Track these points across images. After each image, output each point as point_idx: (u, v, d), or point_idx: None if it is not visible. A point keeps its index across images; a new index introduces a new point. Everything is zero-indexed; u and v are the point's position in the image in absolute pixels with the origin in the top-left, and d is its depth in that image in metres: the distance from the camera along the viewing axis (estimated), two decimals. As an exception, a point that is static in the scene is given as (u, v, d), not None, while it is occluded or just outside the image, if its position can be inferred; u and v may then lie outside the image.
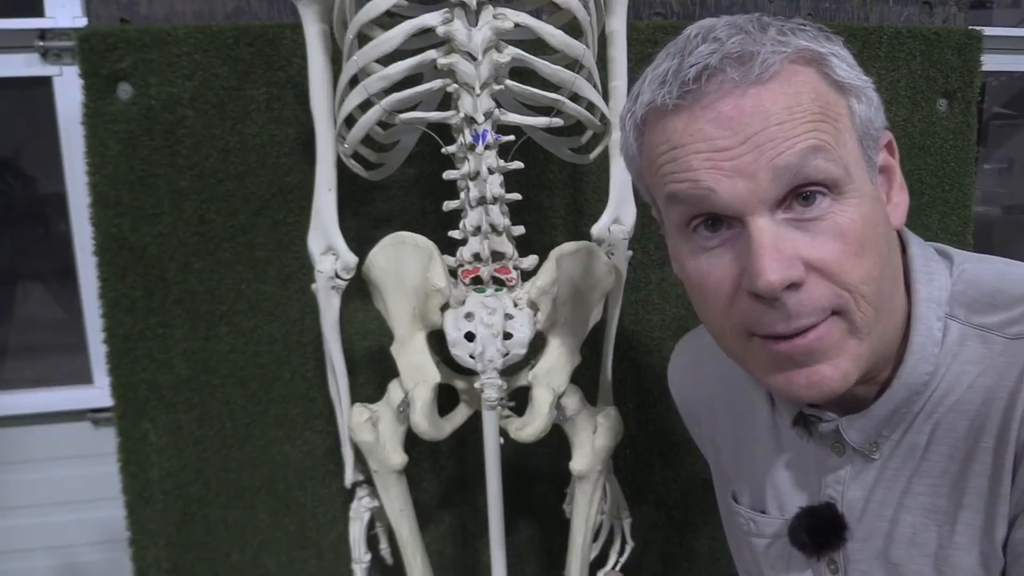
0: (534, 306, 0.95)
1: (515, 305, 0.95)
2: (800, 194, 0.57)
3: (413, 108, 0.94)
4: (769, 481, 0.78)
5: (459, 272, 0.97)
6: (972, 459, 0.62)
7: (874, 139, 0.62)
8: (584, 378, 1.06)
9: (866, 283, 0.58)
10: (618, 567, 1.19)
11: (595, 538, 1.16)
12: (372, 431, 1.01)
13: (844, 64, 0.61)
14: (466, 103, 0.90)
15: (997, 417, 0.61)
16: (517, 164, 0.94)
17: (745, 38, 0.58)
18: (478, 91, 0.89)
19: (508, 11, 0.88)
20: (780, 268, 0.56)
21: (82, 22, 1.35)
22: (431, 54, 0.90)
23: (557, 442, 1.07)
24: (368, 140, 1.01)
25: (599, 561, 1.18)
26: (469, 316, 0.94)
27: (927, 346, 0.65)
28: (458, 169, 0.94)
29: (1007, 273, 0.66)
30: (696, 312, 0.67)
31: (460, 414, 1.08)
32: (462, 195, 0.95)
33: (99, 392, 1.53)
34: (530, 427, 0.97)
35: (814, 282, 0.58)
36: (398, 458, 1.02)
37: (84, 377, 1.57)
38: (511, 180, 0.95)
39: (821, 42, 0.61)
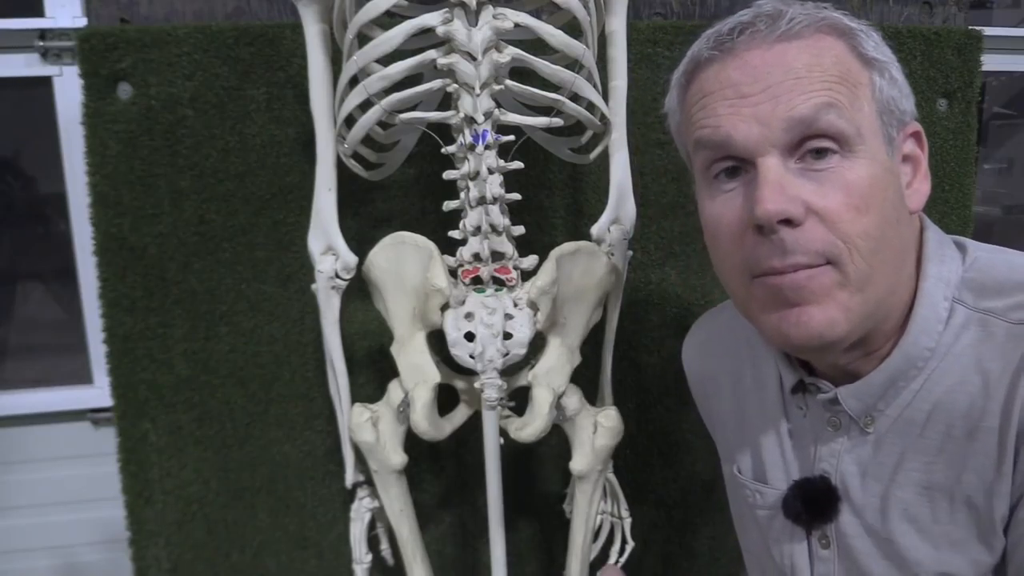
0: (534, 306, 0.95)
1: (515, 305, 0.95)
2: (813, 148, 0.61)
3: (413, 108, 0.94)
4: (774, 453, 0.80)
5: (459, 272, 0.97)
6: (973, 438, 0.64)
7: (897, 119, 0.65)
8: (584, 378, 1.06)
9: (863, 239, 0.61)
10: (619, 565, 1.19)
11: (595, 538, 1.16)
12: (372, 431, 1.01)
13: (872, 41, 0.65)
14: (466, 103, 0.90)
15: (1000, 398, 0.62)
16: (517, 164, 0.94)
17: (782, 3, 0.64)
18: (478, 91, 0.89)
19: (508, 11, 0.88)
20: (780, 200, 0.60)
21: (82, 22, 1.35)
22: (431, 54, 0.90)
23: (557, 442, 1.07)
24: (368, 140, 1.01)
25: (599, 561, 1.18)
26: (469, 316, 0.94)
27: (930, 320, 0.66)
28: (458, 169, 0.94)
29: (1019, 263, 0.68)
30: (712, 263, 0.71)
31: (460, 414, 1.08)
32: (462, 195, 0.95)
33: (99, 392, 1.53)
34: (530, 427, 0.97)
35: (812, 225, 0.61)
36: (398, 458, 1.02)
37: (84, 377, 1.57)
38: (511, 180, 0.95)
39: (855, 22, 0.65)
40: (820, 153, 0.61)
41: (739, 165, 0.64)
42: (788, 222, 0.60)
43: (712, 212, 0.67)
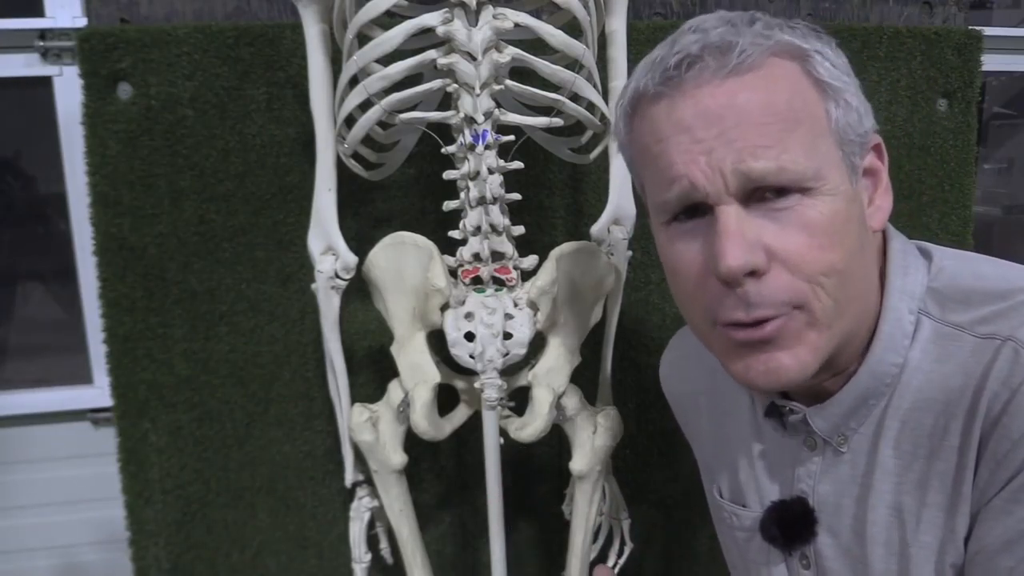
0: (534, 306, 0.95)
1: (515, 305, 0.95)
2: (772, 188, 0.59)
3: (413, 108, 0.94)
4: (749, 474, 0.79)
5: (459, 272, 0.97)
6: (937, 458, 0.63)
7: (857, 144, 0.63)
8: (584, 378, 1.06)
9: (827, 275, 0.59)
10: (617, 568, 1.19)
11: (595, 539, 1.16)
12: (372, 431, 1.01)
13: (827, 63, 0.61)
14: (466, 103, 0.90)
15: (961, 416, 0.61)
16: (517, 164, 0.94)
17: (729, 30, 0.60)
18: (478, 91, 0.89)
19: (508, 11, 0.88)
20: (741, 253, 0.57)
21: (82, 22, 1.35)
22: (431, 54, 0.90)
23: (557, 442, 1.07)
24: (368, 140, 1.01)
25: (599, 562, 1.18)
26: (469, 316, 0.94)
27: (896, 336, 0.65)
28: (458, 169, 0.94)
29: (985, 272, 0.66)
30: (674, 299, 0.69)
31: (460, 414, 1.08)
32: (462, 195, 0.95)
33: (99, 392, 1.53)
34: (530, 427, 0.97)
35: (776, 274, 0.59)
36: (398, 458, 1.02)
37: (84, 377, 1.57)
38: (511, 180, 0.95)
39: (809, 40, 0.61)
40: (780, 192, 0.59)
41: (696, 206, 0.62)
42: (753, 273, 0.58)
43: (671, 255, 0.65)
